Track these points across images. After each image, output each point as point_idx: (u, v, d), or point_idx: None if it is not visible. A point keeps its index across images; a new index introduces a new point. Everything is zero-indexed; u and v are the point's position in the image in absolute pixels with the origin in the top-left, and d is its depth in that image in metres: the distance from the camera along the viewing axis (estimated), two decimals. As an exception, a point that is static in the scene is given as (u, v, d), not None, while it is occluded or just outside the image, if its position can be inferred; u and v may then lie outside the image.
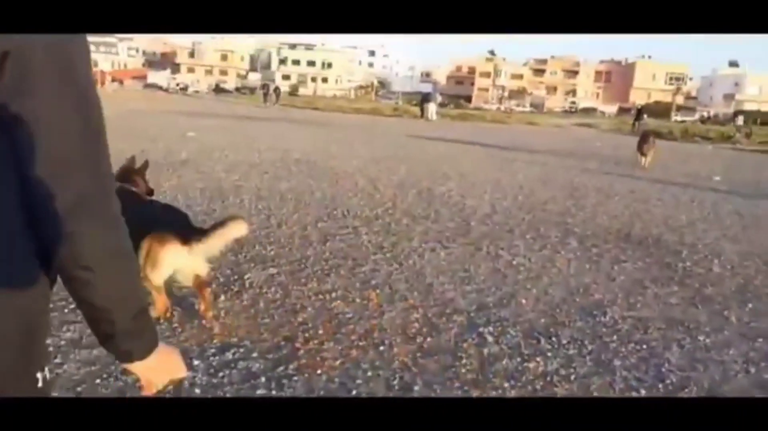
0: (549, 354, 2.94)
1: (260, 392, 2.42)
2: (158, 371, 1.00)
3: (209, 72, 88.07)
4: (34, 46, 0.76)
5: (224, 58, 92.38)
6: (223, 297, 3.43)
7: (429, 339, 3.03)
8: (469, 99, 79.33)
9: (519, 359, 2.86)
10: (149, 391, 1.05)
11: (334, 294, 3.55)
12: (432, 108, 29.24)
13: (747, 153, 20.45)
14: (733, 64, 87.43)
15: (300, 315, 3.21)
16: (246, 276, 3.78)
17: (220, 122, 18.08)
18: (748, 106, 65.89)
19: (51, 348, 2.65)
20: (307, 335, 2.96)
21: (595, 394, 2.57)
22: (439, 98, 41.94)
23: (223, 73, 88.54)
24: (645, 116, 29.15)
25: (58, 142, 0.77)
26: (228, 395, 2.40)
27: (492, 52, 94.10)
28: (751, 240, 5.91)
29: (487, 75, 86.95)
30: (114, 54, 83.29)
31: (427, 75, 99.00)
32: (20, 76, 0.74)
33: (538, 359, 2.87)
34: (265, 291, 3.55)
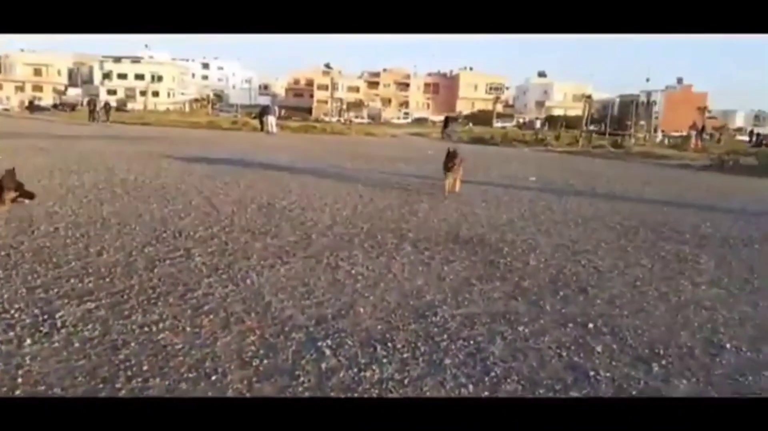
0: (384, 360, 3.01)
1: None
2: None
3: (20, 88, 78.99)
4: None
5: (38, 72, 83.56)
6: (29, 341, 3.04)
7: (266, 361, 2.95)
8: (309, 111, 79.96)
9: (356, 369, 2.89)
10: None
11: (161, 325, 3.31)
12: (272, 120, 29.01)
13: (557, 154, 22.97)
14: (542, 74, 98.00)
15: (122, 352, 2.94)
16: (58, 315, 3.39)
17: (34, 142, 16.22)
18: (557, 112, 74.21)
19: None
20: (129, 373, 2.72)
21: (428, 395, 2.68)
22: (279, 111, 41.63)
23: (38, 89, 79.95)
24: (467, 124, 31.56)
25: None
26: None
27: (328, 65, 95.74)
28: (561, 233, 6.61)
29: (325, 87, 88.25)
30: None
31: (266, 87, 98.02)
32: None
33: (374, 367, 2.92)
34: (81, 329, 3.21)
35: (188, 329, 3.29)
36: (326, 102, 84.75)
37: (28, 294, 3.75)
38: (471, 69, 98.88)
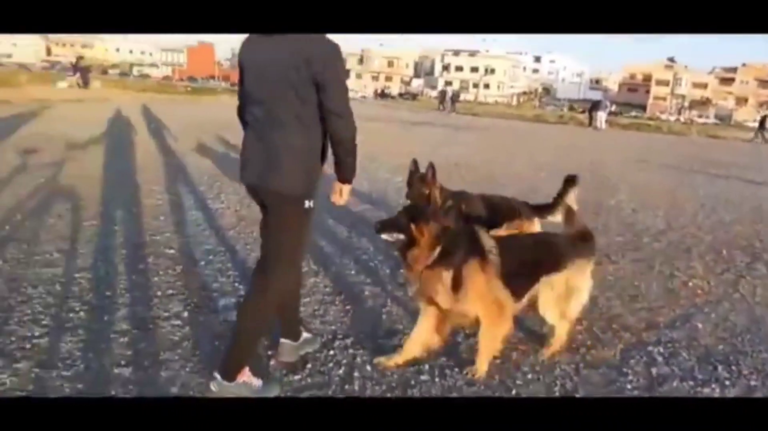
0: (727, 382, 2.74)
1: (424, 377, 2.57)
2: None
3: (375, 78, 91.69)
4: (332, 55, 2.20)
5: (390, 64, 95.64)
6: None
7: (593, 351, 2.98)
8: (643, 108, 74.05)
9: (692, 383, 2.70)
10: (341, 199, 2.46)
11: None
12: (601, 116, 27.62)
13: None
14: None
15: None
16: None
17: (384, 126, 18.75)
18: None
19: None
20: (468, 331, 3.06)
21: None
22: (610, 106, 39.54)
23: (388, 79, 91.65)
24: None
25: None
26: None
27: (671, 59, 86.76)
28: None
29: (665, 83, 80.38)
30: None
31: (597, 82, 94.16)
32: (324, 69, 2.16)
33: (713, 385, 2.69)
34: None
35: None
36: (664, 99, 77.34)
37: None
38: None
